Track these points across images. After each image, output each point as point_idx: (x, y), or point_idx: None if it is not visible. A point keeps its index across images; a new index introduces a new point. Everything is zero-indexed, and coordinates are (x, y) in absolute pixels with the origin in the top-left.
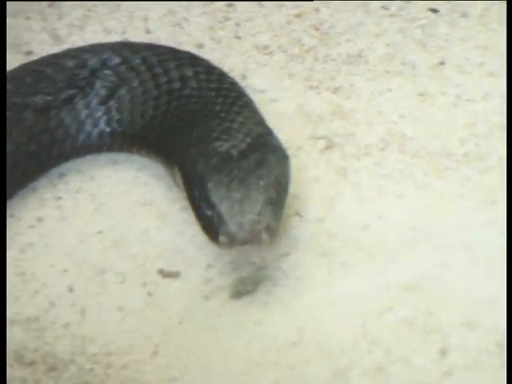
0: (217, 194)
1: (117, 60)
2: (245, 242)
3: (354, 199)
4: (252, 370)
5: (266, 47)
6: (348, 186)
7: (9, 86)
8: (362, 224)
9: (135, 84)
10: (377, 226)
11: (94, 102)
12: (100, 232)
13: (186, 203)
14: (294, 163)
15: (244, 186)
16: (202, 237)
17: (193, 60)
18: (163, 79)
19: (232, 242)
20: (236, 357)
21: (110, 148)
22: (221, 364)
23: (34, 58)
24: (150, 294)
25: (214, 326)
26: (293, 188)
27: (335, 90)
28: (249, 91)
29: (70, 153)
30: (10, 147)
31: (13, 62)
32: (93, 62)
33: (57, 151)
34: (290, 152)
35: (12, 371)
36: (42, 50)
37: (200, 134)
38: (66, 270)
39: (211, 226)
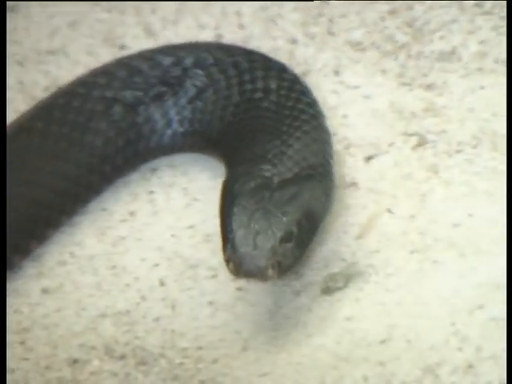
0: (238, 220)
1: (210, 61)
2: (249, 276)
3: (446, 196)
4: (341, 365)
5: (359, 43)
6: (439, 183)
7: (101, 80)
8: (454, 221)
9: (222, 87)
10: (468, 224)
11: (183, 100)
12: (192, 226)
13: None
14: (385, 160)
15: (266, 219)
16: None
17: (281, 72)
18: (248, 87)
19: (238, 272)
20: (326, 352)
21: (189, 148)
22: (310, 359)
23: (128, 52)
24: (240, 289)
25: (304, 322)
26: (384, 185)
27: (428, 87)
28: (341, 88)
29: (155, 150)
30: (98, 141)
31: (106, 56)
32: (187, 60)
33: (144, 147)
34: (382, 149)
35: (102, 365)
36: (136, 44)
37: (257, 151)
38: (157, 264)
39: (226, 249)
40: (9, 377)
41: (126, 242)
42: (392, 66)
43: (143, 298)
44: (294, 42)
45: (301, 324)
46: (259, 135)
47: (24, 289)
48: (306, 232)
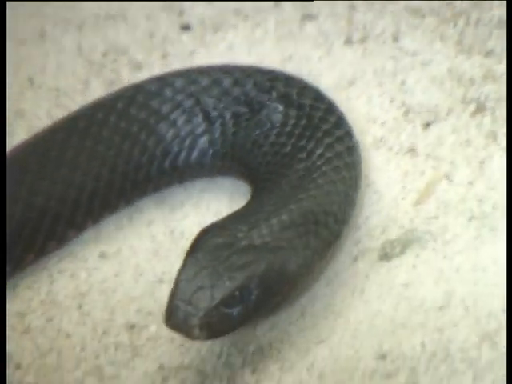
0: (186, 272)
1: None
2: (175, 329)
3: (504, 163)
4: (399, 331)
5: (418, 10)
6: (498, 150)
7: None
8: None
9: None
10: None
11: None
12: None
13: None
14: (444, 126)
15: (211, 279)
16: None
17: (328, 112)
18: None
19: (166, 322)
20: (383, 319)
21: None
22: (368, 325)
23: (186, 18)
24: None
25: (361, 288)
26: (442, 151)
27: (487, 54)
28: (400, 54)
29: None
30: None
31: (164, 21)
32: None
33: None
34: (440, 115)
35: (159, 330)
36: (194, 10)
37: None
38: None
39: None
40: (66, 341)
41: (184, 207)
42: (451, 33)
43: None
44: (353, 7)
45: (358, 290)
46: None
47: (81, 254)
48: (259, 301)
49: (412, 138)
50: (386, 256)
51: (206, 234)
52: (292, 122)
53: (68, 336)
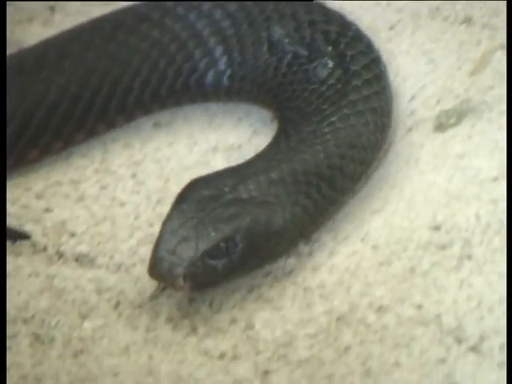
0: (171, 223)
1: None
2: (160, 279)
3: None
4: (453, 203)
5: None
6: None
7: None
8: None
9: None
10: None
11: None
12: None
13: None
14: None
15: (195, 230)
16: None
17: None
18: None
19: (150, 273)
20: (437, 189)
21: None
22: (422, 196)
23: None
24: None
25: (416, 158)
26: (498, 21)
27: None
28: None
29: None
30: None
31: None
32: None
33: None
34: None
35: None
36: None
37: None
38: None
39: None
40: (120, 210)
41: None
42: None
43: (255, 132)
44: None
45: (413, 161)
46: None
47: (135, 124)
48: (245, 254)
49: (468, 7)
50: (441, 126)
51: (192, 186)
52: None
53: (122, 204)
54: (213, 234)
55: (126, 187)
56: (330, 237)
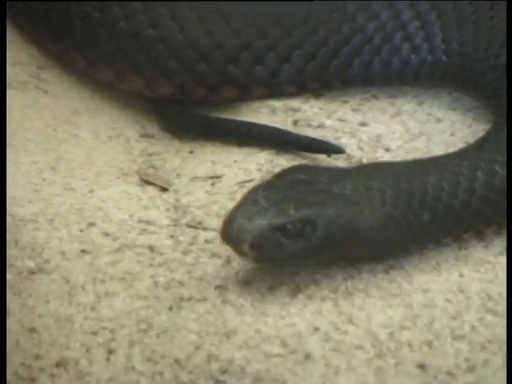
0: (256, 192)
1: None
2: (227, 241)
3: None
4: None
5: None
6: None
7: None
8: None
9: None
10: None
11: None
12: None
13: None
14: None
15: (277, 204)
16: None
17: None
18: None
19: (221, 233)
20: None
21: None
22: None
23: None
24: None
25: None
26: None
27: None
28: None
29: None
30: None
31: None
32: None
33: None
34: None
35: None
36: None
37: None
38: None
39: None
40: (435, 126)
41: None
42: None
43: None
44: None
45: None
46: None
47: None
48: (319, 243)
49: None
50: None
51: (294, 168)
52: None
53: (438, 121)
54: (291, 211)
55: (443, 104)
56: None
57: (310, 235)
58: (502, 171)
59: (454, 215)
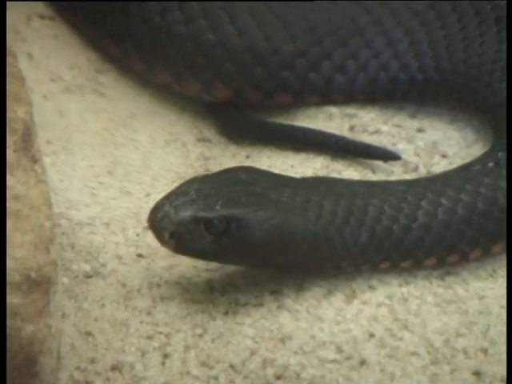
0: (191, 184)
1: None
2: (150, 226)
3: None
4: None
5: None
6: None
7: None
8: None
9: None
10: None
11: None
12: None
13: None
14: None
15: (206, 198)
16: None
17: None
18: None
19: (147, 217)
20: None
21: None
22: None
23: None
24: None
25: None
26: None
27: None
28: None
29: None
30: None
31: None
32: None
33: None
34: None
35: None
36: None
37: None
38: None
39: None
40: None
41: None
42: None
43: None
44: None
45: None
46: None
47: None
48: (244, 244)
49: None
50: None
51: (240, 167)
52: None
53: None
54: (218, 207)
55: None
56: None
57: (234, 234)
58: (445, 206)
59: (392, 240)
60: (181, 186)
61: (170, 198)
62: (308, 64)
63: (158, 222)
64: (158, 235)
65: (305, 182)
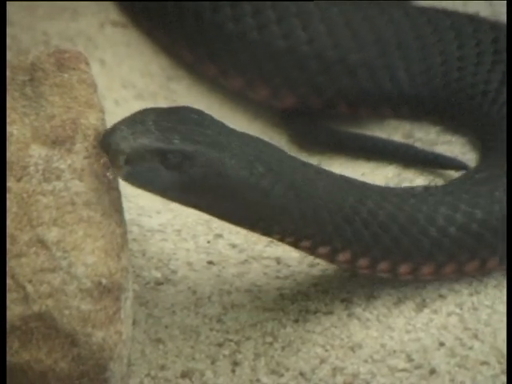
0: (158, 114)
1: None
2: (104, 149)
3: None
4: None
5: None
6: None
7: None
8: None
9: None
10: None
11: None
12: None
13: None
14: None
15: (169, 133)
16: None
17: None
18: None
19: (101, 140)
20: None
21: None
22: None
23: None
24: None
25: None
26: None
27: None
28: None
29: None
30: None
31: None
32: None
33: None
34: None
35: None
36: None
37: None
38: None
39: None
40: None
41: None
42: None
43: None
44: None
45: None
46: None
47: None
48: (194, 185)
49: None
50: None
51: (194, 109)
52: None
53: None
54: (176, 141)
55: None
56: None
57: (186, 170)
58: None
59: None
60: (136, 114)
61: (128, 123)
62: (368, 75)
63: (115, 144)
64: (113, 158)
65: (252, 139)
